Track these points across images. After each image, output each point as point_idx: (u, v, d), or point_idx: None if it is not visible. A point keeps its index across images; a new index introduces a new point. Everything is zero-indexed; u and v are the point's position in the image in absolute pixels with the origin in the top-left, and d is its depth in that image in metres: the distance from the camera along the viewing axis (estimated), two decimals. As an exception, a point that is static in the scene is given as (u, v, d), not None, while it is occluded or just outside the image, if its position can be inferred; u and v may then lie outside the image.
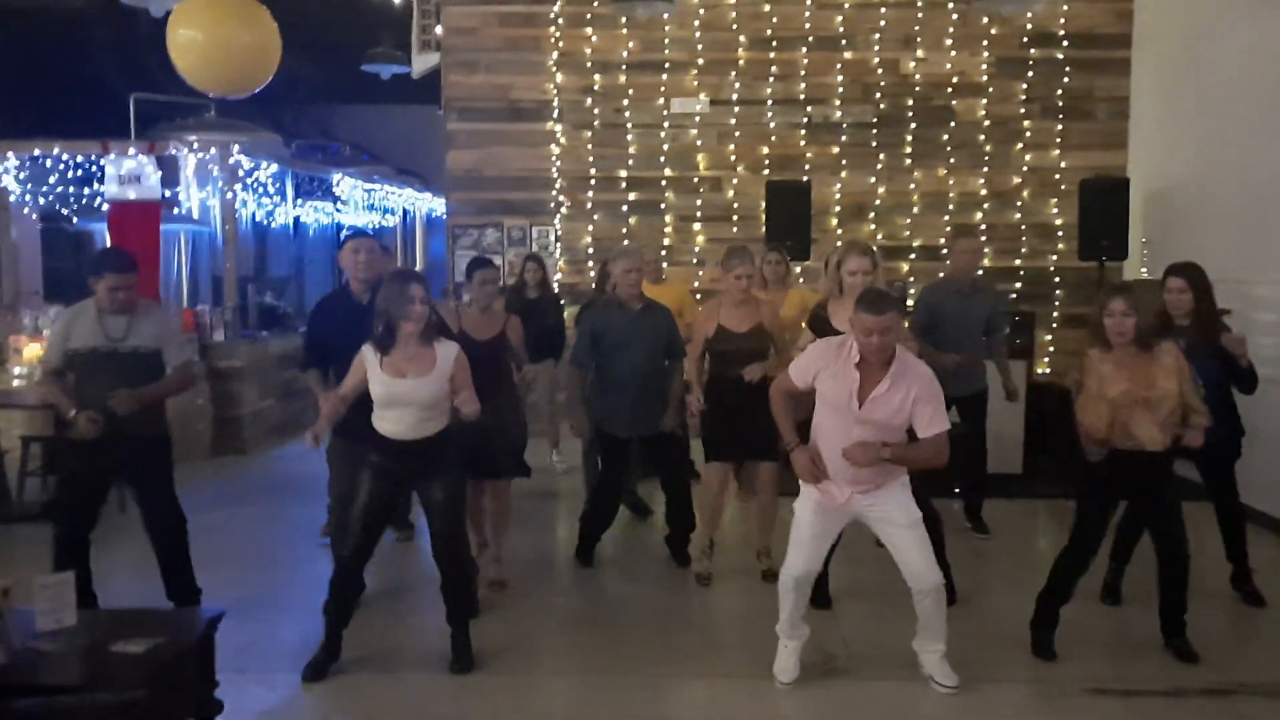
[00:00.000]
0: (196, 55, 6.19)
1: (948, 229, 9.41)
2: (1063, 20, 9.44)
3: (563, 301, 8.55)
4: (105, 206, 9.42)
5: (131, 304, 4.81)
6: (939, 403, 4.03)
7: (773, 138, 9.61)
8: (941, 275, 7.62)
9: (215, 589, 5.32)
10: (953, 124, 9.54)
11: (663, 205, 9.69)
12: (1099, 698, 4.26)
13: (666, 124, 9.64)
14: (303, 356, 5.42)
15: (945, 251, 8.02)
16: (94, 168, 9.59)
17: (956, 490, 7.05)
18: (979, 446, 6.57)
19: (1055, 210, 9.52)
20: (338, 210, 12.50)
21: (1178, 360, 4.39)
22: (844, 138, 9.58)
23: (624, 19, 9.45)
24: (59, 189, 9.62)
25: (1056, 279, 9.55)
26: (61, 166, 9.55)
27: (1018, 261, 9.58)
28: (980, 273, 6.65)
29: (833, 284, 5.01)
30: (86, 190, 9.67)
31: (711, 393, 5.50)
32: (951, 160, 9.57)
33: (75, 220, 10.08)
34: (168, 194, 9.46)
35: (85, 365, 4.77)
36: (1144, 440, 4.34)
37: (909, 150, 9.56)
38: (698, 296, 9.30)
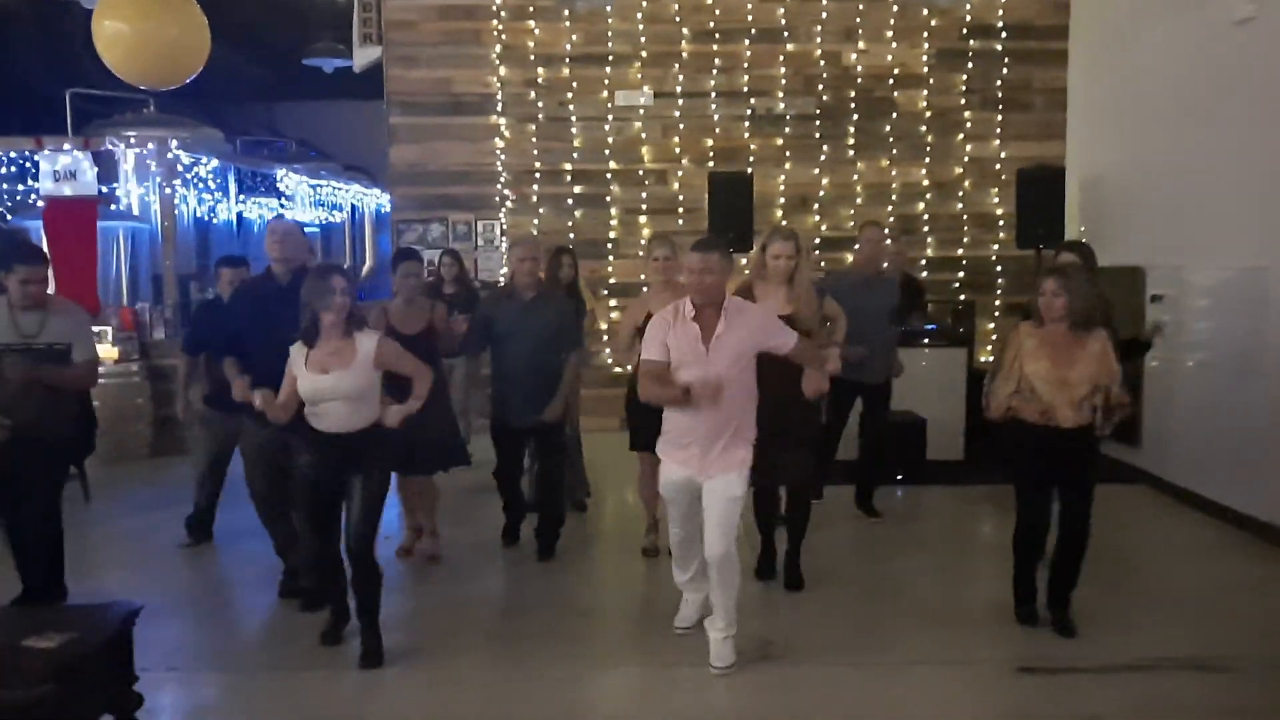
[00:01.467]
0: (122, 48, 6.10)
1: (891, 219, 9.49)
2: (1001, 12, 9.54)
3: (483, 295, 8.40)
4: (40, 203, 9.24)
5: (43, 299, 4.73)
6: (777, 323, 4.41)
7: (717, 130, 9.63)
8: (845, 269, 7.87)
9: (150, 589, 5.29)
10: (894, 115, 9.61)
11: (608, 198, 9.68)
12: (1028, 676, 4.32)
13: (611, 117, 9.63)
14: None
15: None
16: (28, 164, 9.41)
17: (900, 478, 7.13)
18: (878, 435, 6.68)
19: (996, 200, 9.63)
20: (283, 206, 12.37)
21: (1104, 346, 4.51)
22: (787, 129, 9.62)
23: (566, 11, 9.45)
24: (-8, 186, 9.44)
25: (998, 268, 9.66)
26: (-5, 163, 9.36)
27: (960, 251, 9.68)
28: (887, 265, 6.69)
29: (757, 267, 5.15)
30: (21, 187, 9.48)
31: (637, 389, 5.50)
32: (894, 151, 9.64)
33: (9, 218, 9.86)
34: (105, 190, 9.30)
35: None
36: (1058, 417, 4.49)
37: (851, 142, 9.63)
38: (644, 289, 9.32)
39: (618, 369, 7.31)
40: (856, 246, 6.94)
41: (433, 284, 7.73)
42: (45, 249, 8.75)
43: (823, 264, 9.21)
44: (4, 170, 9.42)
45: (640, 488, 5.87)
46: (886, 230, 6.91)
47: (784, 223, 9.50)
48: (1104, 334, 4.57)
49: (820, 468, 6.29)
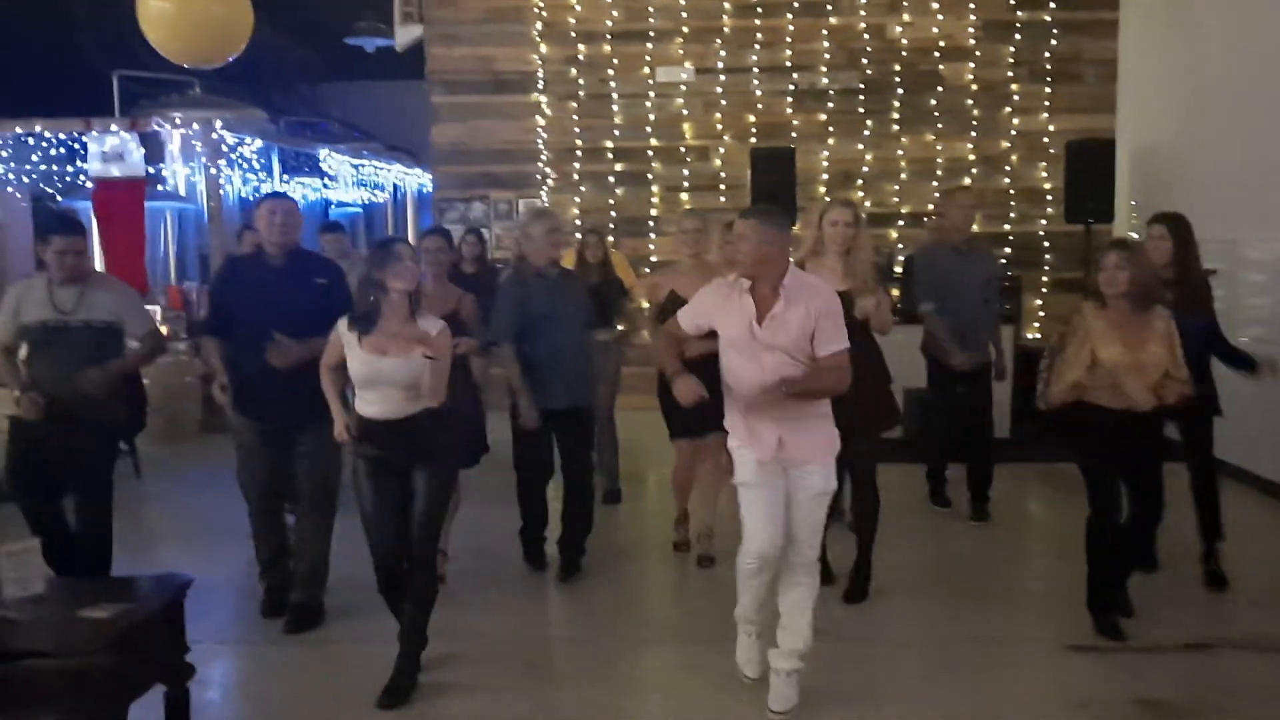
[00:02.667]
0: (166, 26, 6.13)
1: (936, 195, 9.37)
2: (1050, -19, 9.36)
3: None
4: (89, 184, 9.37)
5: (81, 272, 4.54)
6: (838, 320, 3.75)
7: (759, 106, 9.54)
8: (930, 238, 7.47)
9: (203, 564, 5.35)
10: (940, 89, 9.47)
11: (649, 176, 9.64)
12: (1077, 655, 4.26)
13: (652, 94, 9.57)
14: (205, 321, 4.96)
15: (936, 213, 7.88)
16: (77, 146, 9.53)
17: (931, 466, 6.85)
18: (986, 424, 6.26)
19: (1044, 174, 9.47)
20: (326, 187, 12.43)
21: (1169, 326, 4.30)
22: (830, 105, 9.51)
23: (607, -13, 9.41)
24: (42, 168, 9.56)
25: (1045, 243, 9.50)
26: (44, 145, 9.49)
27: (1006, 227, 9.53)
28: (975, 229, 6.53)
29: (814, 240, 4.81)
30: (70, 169, 9.60)
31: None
32: (939, 126, 9.50)
33: (60, 199, 10.01)
34: (152, 171, 9.40)
35: (35, 340, 4.51)
36: (1136, 400, 4.22)
37: (896, 116, 9.50)
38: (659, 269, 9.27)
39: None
40: (936, 215, 6.73)
41: (453, 261, 7.63)
42: (95, 229, 8.98)
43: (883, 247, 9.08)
44: (53, 152, 9.54)
45: (673, 477, 5.60)
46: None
47: (827, 199, 9.38)
48: (1166, 312, 4.33)
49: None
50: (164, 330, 8.45)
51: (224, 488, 7.07)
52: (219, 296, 4.79)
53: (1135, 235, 8.49)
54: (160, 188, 9.63)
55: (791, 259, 3.90)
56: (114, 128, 9.21)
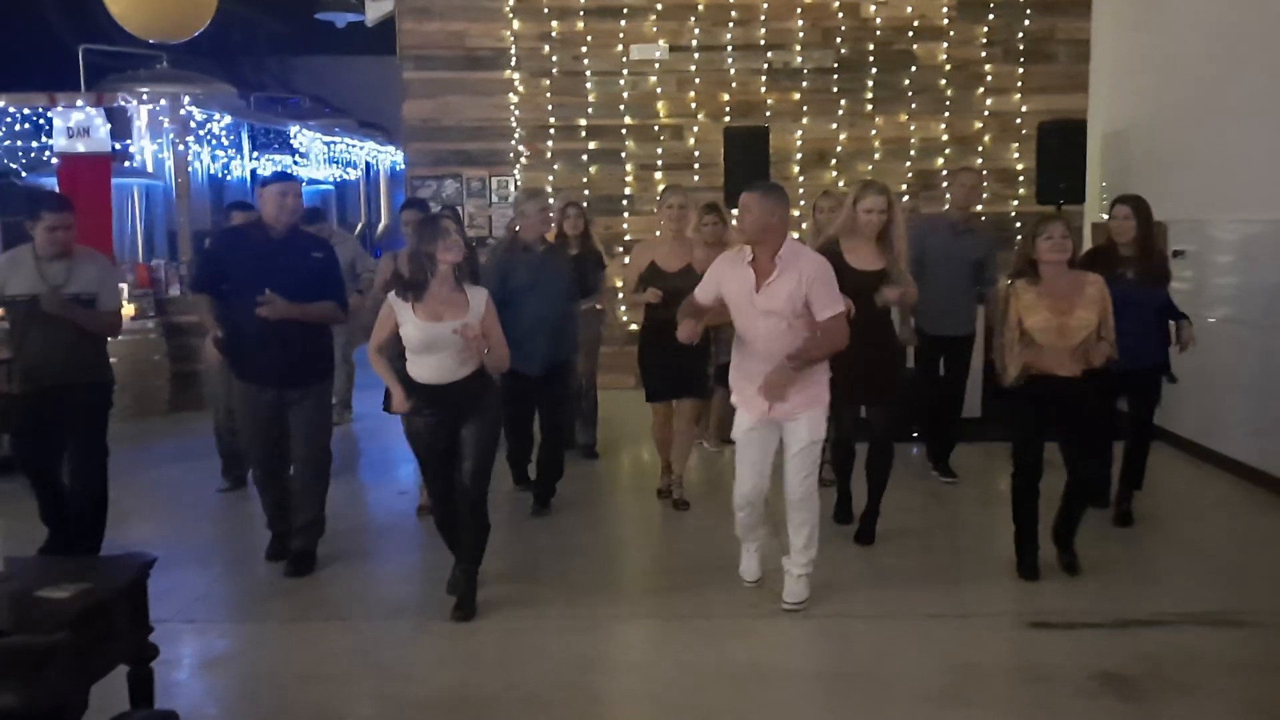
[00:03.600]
0: (128, 0, 6.03)
1: (909, 175, 9.40)
2: (1024, -38, 9.36)
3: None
4: (54, 160, 9.24)
5: (69, 247, 4.80)
6: (832, 285, 4.28)
7: (733, 84, 9.51)
8: (939, 211, 7.87)
9: (169, 541, 5.35)
10: (914, 69, 9.46)
11: (623, 154, 9.58)
12: (1041, 630, 4.31)
13: (626, 71, 9.51)
14: (196, 276, 5.32)
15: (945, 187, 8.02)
16: (42, 121, 9.40)
17: (915, 435, 7.10)
18: (957, 393, 6.59)
19: (1016, 155, 9.49)
20: (296, 164, 12.33)
21: (1101, 292, 4.60)
22: (804, 83, 9.49)
23: (580, -37, 9.32)
24: (6, 143, 9.43)
25: (1018, 224, 9.53)
26: (9, 120, 9.35)
27: (979, 207, 9.51)
28: (979, 208, 6.71)
29: (848, 219, 5.11)
30: (35, 144, 9.48)
31: (645, 333, 5.79)
32: (913, 105, 9.50)
33: (24, 175, 9.87)
34: (118, 147, 9.29)
35: (22, 313, 4.76)
36: (1054, 365, 4.57)
37: (870, 96, 9.49)
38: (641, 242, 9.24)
39: (633, 326, 7.28)
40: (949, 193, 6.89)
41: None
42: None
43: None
44: (18, 127, 9.41)
45: (654, 432, 6.07)
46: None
47: (801, 178, 9.41)
48: (1098, 277, 4.66)
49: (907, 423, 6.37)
50: (131, 309, 8.45)
51: (191, 465, 7.09)
52: (216, 258, 5.10)
53: (1105, 216, 8.55)
54: (127, 163, 9.52)
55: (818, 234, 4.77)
56: (80, 102, 9.09)
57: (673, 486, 6.06)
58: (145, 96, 9.41)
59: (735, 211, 4.45)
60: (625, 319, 8.26)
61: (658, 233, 5.86)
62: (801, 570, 4.51)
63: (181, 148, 9.40)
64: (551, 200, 6.92)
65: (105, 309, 4.93)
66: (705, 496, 6.08)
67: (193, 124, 9.61)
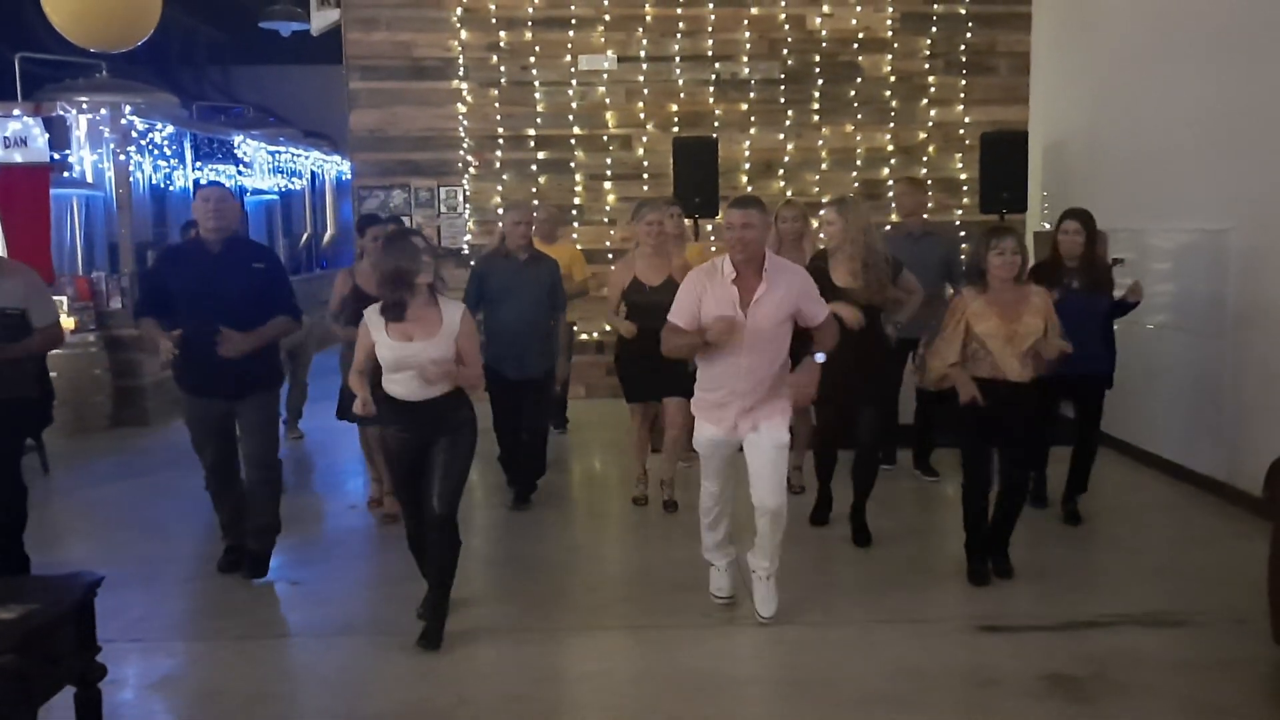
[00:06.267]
0: (71, 8, 5.92)
1: (855, 185, 9.52)
2: (964, -25, 9.54)
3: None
4: (-10, 171, 9.02)
5: None
6: (816, 291, 4.32)
7: (681, 95, 9.57)
8: (890, 225, 8.03)
9: (113, 560, 5.25)
10: (859, 80, 9.60)
11: (572, 164, 9.60)
12: (989, 634, 4.38)
13: (574, 81, 9.53)
14: (139, 301, 5.26)
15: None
16: (-23, 131, 9.16)
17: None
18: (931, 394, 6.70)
19: (960, 165, 9.67)
20: (241, 174, 12.17)
21: (1045, 301, 4.75)
22: (752, 94, 9.58)
23: (528, -27, 9.33)
24: (-61, 153, 9.18)
25: (962, 233, 9.69)
26: (-58, 130, 9.10)
27: (924, 216, 9.65)
28: (926, 217, 6.98)
29: (842, 241, 5.26)
30: (-30, 154, 9.23)
31: (627, 345, 5.83)
32: (858, 116, 9.63)
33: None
34: (57, 157, 9.10)
35: None
36: (1006, 371, 4.68)
37: (816, 106, 9.61)
38: (609, 255, 9.29)
39: (585, 335, 7.34)
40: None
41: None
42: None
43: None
44: (-48, 137, 9.16)
45: (630, 436, 6.21)
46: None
47: (749, 189, 9.48)
48: (1040, 288, 4.80)
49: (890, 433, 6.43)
50: (71, 322, 8.28)
51: (134, 481, 6.97)
52: (157, 280, 4.99)
53: (1047, 225, 8.73)
54: (66, 174, 9.33)
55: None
56: (16, 112, 8.90)
57: (663, 485, 6.12)
58: (85, 106, 9.23)
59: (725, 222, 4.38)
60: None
61: (637, 248, 5.95)
62: (767, 568, 4.44)
63: (123, 158, 9.24)
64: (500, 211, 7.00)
65: (39, 324, 4.75)
66: (662, 509, 6.13)
67: (134, 134, 9.45)
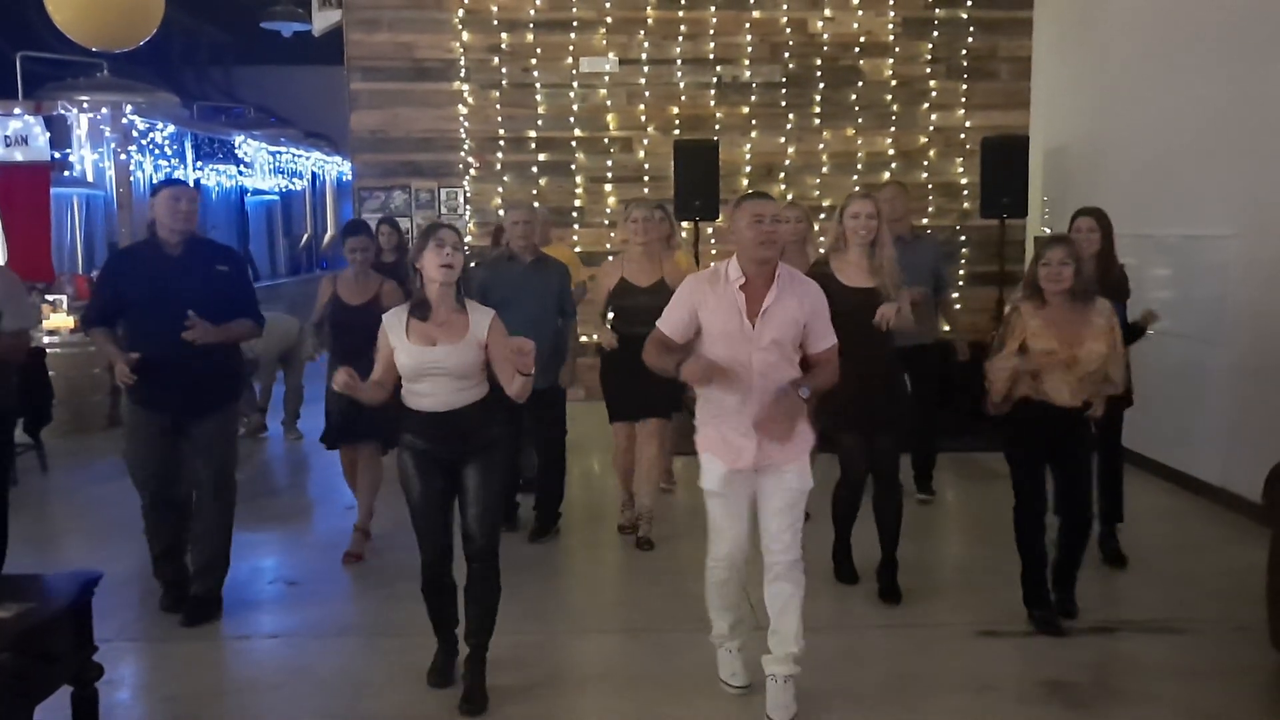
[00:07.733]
0: (74, 7, 5.92)
1: (856, 189, 9.49)
2: (966, -20, 9.54)
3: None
4: (-10, 170, 9.03)
5: None
6: (828, 315, 3.69)
7: (682, 97, 9.58)
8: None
9: (110, 559, 5.22)
10: (860, 84, 9.60)
11: (573, 166, 9.61)
12: (988, 639, 4.37)
13: (575, 84, 9.54)
14: (86, 310, 4.73)
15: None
16: (-23, 129, 9.17)
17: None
18: (928, 406, 6.24)
19: (960, 169, 9.67)
20: (241, 174, 12.17)
21: (1110, 322, 4.25)
22: (753, 98, 9.59)
23: (530, -25, 9.34)
24: (-60, 151, 9.19)
25: (962, 237, 9.70)
26: (-58, 128, 9.11)
27: (925, 221, 9.69)
28: (925, 221, 6.77)
29: (836, 236, 4.67)
30: (-30, 153, 9.24)
31: (610, 356, 5.41)
32: (859, 120, 9.64)
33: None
34: (57, 156, 9.11)
35: None
36: (1053, 397, 4.26)
37: (817, 110, 9.61)
38: (609, 258, 9.26)
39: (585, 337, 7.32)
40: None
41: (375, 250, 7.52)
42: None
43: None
44: (-47, 135, 9.17)
45: (615, 460, 5.76)
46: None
47: (750, 191, 9.45)
48: (1108, 305, 4.30)
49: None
50: (71, 321, 8.27)
51: (131, 481, 6.93)
52: (109, 285, 4.54)
53: (1047, 230, 8.73)
54: (66, 173, 9.34)
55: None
56: (17, 110, 8.91)
57: (638, 522, 5.63)
58: (86, 105, 9.24)
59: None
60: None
61: (610, 256, 5.76)
62: (790, 671, 3.68)
63: (123, 157, 9.25)
64: (501, 212, 6.92)
65: (8, 328, 4.47)
66: (665, 539, 5.63)
67: (135, 133, 9.46)
